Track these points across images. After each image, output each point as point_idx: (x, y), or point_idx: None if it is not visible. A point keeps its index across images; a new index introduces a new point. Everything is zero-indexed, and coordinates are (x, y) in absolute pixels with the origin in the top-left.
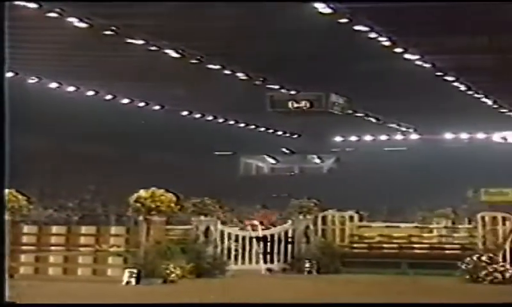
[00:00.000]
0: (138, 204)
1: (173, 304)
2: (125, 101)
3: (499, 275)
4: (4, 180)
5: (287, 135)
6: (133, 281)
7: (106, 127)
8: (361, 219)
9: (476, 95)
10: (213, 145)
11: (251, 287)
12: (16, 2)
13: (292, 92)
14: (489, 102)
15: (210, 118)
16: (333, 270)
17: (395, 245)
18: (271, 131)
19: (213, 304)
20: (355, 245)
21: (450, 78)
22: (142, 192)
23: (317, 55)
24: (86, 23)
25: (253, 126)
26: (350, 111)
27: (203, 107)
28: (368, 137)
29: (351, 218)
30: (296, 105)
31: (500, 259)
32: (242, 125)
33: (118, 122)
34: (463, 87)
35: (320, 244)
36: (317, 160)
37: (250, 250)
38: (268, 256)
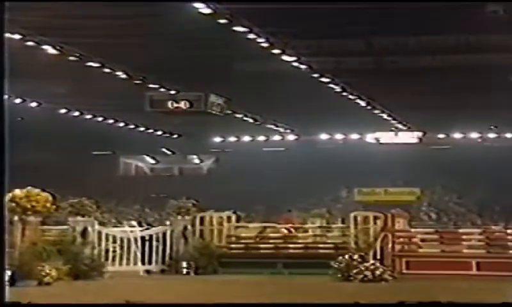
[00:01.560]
0: (13, 204)
1: (173, 304)
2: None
3: (369, 274)
4: (4, 182)
5: (167, 135)
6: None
7: None
8: (238, 220)
9: (351, 96)
10: (92, 144)
11: (129, 289)
12: None
13: (172, 92)
14: (363, 104)
15: (89, 116)
16: (210, 270)
17: (271, 246)
18: (150, 131)
19: (213, 304)
20: (232, 245)
21: (325, 80)
22: (17, 192)
23: (197, 56)
24: None
25: (132, 126)
26: (229, 112)
27: (82, 105)
28: (247, 138)
29: (229, 218)
30: (175, 105)
31: (371, 258)
32: (121, 124)
33: None
34: (338, 89)
35: (198, 244)
36: (197, 161)
37: (128, 251)
38: (146, 258)
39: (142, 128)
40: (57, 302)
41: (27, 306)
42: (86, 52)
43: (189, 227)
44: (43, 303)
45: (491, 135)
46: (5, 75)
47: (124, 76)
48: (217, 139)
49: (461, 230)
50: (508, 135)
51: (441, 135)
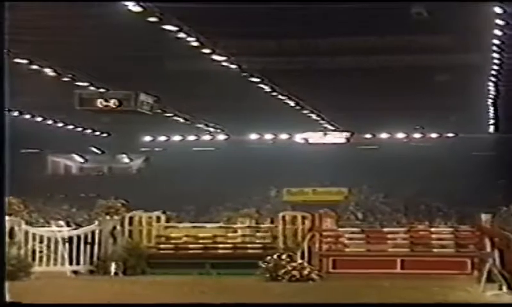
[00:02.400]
0: None
1: (173, 304)
2: None
3: (297, 273)
4: (4, 185)
5: (97, 133)
6: None
7: None
8: (168, 220)
9: (280, 97)
10: (19, 142)
11: (54, 290)
12: None
13: (102, 90)
14: (292, 104)
15: (16, 114)
16: (139, 271)
17: (200, 246)
18: (79, 129)
19: (213, 304)
20: (162, 246)
21: (255, 80)
22: None
23: (127, 54)
24: None
25: (61, 124)
26: (159, 111)
27: (8, 103)
28: (177, 137)
29: (158, 219)
30: (104, 103)
31: (299, 258)
32: (50, 122)
33: None
34: (267, 89)
35: (127, 245)
36: (127, 160)
37: (56, 251)
38: (74, 258)
39: (71, 126)
40: None
41: (28, 305)
42: (13, 49)
43: (118, 227)
44: (43, 303)
45: (417, 136)
46: (5, 75)
47: (53, 73)
48: (147, 138)
49: (386, 229)
50: (433, 135)
51: (368, 136)
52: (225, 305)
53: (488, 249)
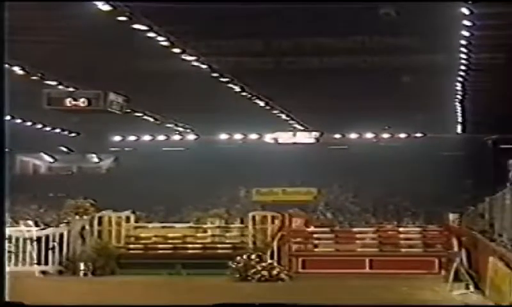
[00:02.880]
0: None
1: (173, 305)
2: None
3: (266, 273)
4: (4, 182)
5: (65, 133)
6: None
7: None
8: (137, 220)
9: (250, 96)
10: None
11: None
12: None
13: (70, 89)
14: (262, 104)
15: None
16: (108, 272)
17: (170, 246)
18: (48, 128)
19: (214, 304)
20: (131, 246)
21: (225, 80)
22: None
23: (97, 53)
24: None
25: (29, 123)
26: (129, 110)
27: None
28: (147, 137)
29: (128, 219)
30: (73, 102)
31: (268, 258)
32: (18, 121)
33: None
34: (237, 89)
35: (96, 245)
36: (96, 160)
37: (24, 251)
38: (43, 258)
39: (39, 126)
40: None
41: (27, 305)
42: None
43: (87, 227)
44: (44, 303)
45: (386, 136)
46: (5, 75)
47: (21, 72)
48: (117, 138)
49: (355, 229)
50: (402, 135)
51: (337, 136)
52: (224, 305)
53: (456, 248)
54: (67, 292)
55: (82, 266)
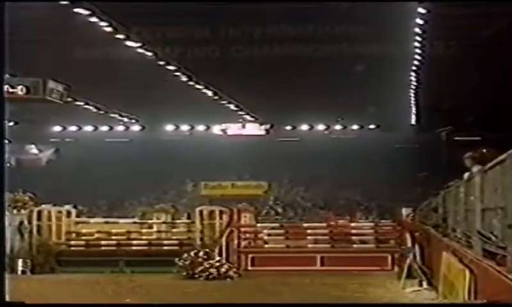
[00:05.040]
0: None
1: (173, 304)
2: None
3: (214, 271)
4: (4, 183)
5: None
6: None
7: None
8: (79, 215)
9: (197, 86)
10: None
11: None
12: None
13: (7, 76)
14: (210, 93)
15: None
16: (48, 269)
17: (113, 242)
18: None
19: (214, 304)
20: (72, 242)
21: (171, 68)
22: None
23: (36, 39)
24: None
25: None
26: (70, 99)
27: None
28: (89, 128)
29: (69, 213)
30: (11, 90)
31: (216, 255)
32: None
33: None
34: (184, 78)
35: (35, 241)
36: (35, 151)
37: None
38: None
39: None
40: None
41: (28, 305)
42: None
43: (26, 222)
44: (44, 303)
45: (338, 127)
46: (4, 74)
47: None
48: (57, 128)
49: (306, 224)
50: (354, 127)
51: (288, 127)
52: (223, 305)
53: (409, 244)
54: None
55: (20, 263)
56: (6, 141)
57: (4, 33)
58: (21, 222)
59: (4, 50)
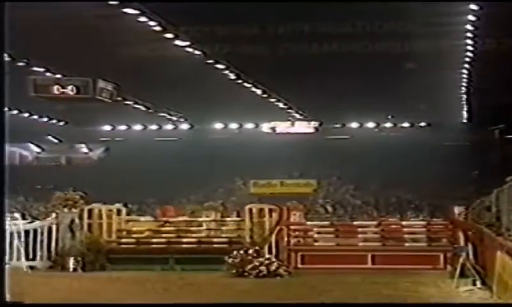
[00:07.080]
0: None
1: (174, 304)
2: None
3: (264, 269)
4: (4, 185)
5: (53, 122)
6: None
7: None
8: (129, 213)
9: (246, 84)
10: None
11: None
12: None
13: (58, 76)
14: (259, 92)
15: None
16: (98, 267)
17: (163, 240)
18: (35, 117)
19: (214, 304)
20: (123, 240)
21: (220, 67)
22: None
23: (86, 39)
24: None
25: (15, 112)
26: (119, 98)
27: None
28: (138, 127)
29: (119, 212)
30: (61, 90)
31: (266, 252)
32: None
33: None
34: (232, 76)
35: (86, 239)
36: (86, 150)
37: (11, 246)
38: (30, 253)
39: (26, 114)
40: None
41: (28, 305)
42: None
43: (77, 220)
44: (45, 303)
45: (388, 125)
46: (5, 74)
47: (7, 58)
48: (107, 128)
49: (356, 223)
50: (405, 125)
51: (337, 125)
52: (226, 305)
53: (462, 242)
54: (55, 289)
55: (71, 261)
56: (56, 141)
57: (4, 33)
58: (72, 221)
59: (4, 50)
